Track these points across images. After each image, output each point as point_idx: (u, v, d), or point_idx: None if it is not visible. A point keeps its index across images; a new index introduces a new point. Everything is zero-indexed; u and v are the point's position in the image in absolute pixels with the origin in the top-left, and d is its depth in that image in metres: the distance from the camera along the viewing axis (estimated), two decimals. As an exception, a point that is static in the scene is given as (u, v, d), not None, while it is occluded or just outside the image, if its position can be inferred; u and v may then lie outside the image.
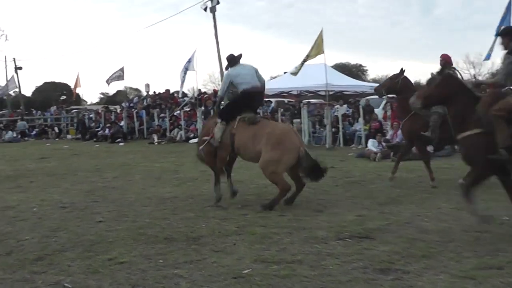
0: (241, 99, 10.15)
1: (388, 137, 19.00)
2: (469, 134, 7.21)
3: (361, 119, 22.20)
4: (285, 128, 10.87)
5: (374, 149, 17.74)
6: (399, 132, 18.13)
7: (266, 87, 27.18)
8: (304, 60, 21.57)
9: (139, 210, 9.43)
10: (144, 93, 36.95)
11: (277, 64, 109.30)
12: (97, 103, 69.87)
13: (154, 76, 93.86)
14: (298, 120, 24.16)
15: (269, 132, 9.51)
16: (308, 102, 27.98)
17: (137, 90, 60.10)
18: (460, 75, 9.21)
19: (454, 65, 10.72)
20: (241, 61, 10.47)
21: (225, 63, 10.64)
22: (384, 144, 18.10)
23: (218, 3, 27.01)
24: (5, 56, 49.74)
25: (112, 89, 69.49)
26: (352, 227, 7.69)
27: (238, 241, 7.16)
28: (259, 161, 9.51)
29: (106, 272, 5.97)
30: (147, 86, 35.78)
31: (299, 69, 21.60)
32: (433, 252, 6.34)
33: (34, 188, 12.51)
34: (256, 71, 10.39)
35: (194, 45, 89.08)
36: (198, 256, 6.48)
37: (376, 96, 25.37)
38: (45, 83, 74.04)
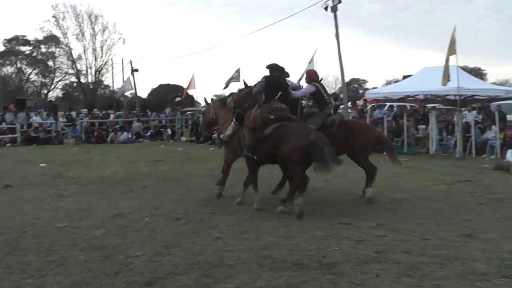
0: None
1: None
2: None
3: (495, 127, 20.45)
4: None
5: (515, 161, 16.06)
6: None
7: (389, 91, 25.32)
8: (446, 66, 20.12)
9: (260, 226, 8.51)
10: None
11: (393, 68, 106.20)
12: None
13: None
14: (423, 126, 22.78)
15: None
16: (433, 107, 26.42)
17: (249, 93, 59.81)
18: (324, 89, 11.15)
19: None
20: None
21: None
22: (525, 155, 16.41)
23: (339, 2, 25.82)
24: (122, 59, 50.95)
25: (225, 91, 69.44)
26: (515, 261, 6.44)
27: (381, 271, 6.06)
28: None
29: (228, 307, 5.07)
30: None
31: (447, 75, 20.12)
32: None
33: (147, 194, 11.89)
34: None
35: (306, 48, 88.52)
36: (336, 290, 5.45)
37: (510, 101, 23.46)
38: (160, 85, 75.22)
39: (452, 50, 20.34)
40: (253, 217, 9.17)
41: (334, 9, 25.70)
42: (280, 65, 10.70)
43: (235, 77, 31.45)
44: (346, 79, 29.97)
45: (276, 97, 10.12)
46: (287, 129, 9.57)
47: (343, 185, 12.93)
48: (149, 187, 12.73)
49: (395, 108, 27.73)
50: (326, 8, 25.85)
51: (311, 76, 11.40)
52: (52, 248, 7.26)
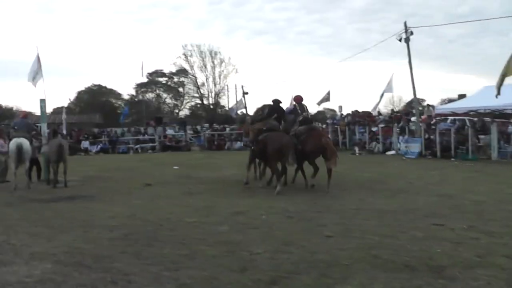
0: None
1: None
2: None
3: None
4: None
5: None
6: None
7: (455, 106, 23.61)
8: (502, 80, 18.19)
9: (363, 225, 7.34)
10: (338, 113, 35.11)
11: (444, 89, 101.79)
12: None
13: (345, 99, 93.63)
14: (483, 136, 20.88)
15: None
16: (493, 120, 24.35)
17: (332, 110, 58.12)
18: (301, 107, 12.67)
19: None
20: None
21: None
22: None
23: (412, 34, 24.39)
24: (235, 85, 50.98)
25: (313, 109, 68.49)
26: None
27: (490, 278, 4.83)
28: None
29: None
30: (340, 107, 34.53)
31: (499, 88, 18.24)
32: None
33: (261, 193, 10.96)
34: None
35: (376, 75, 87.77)
36: (453, 297, 4.30)
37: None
38: (264, 105, 75.05)
39: (510, 70, 18.37)
40: (355, 216, 8.03)
41: (407, 40, 24.33)
42: (280, 99, 13.04)
43: (326, 98, 30.59)
44: (408, 99, 28.45)
45: (273, 117, 12.31)
46: (270, 136, 11.37)
47: (426, 187, 11.58)
48: (262, 188, 11.84)
49: (457, 122, 25.83)
50: (400, 40, 24.46)
51: (296, 100, 13.03)
52: (184, 241, 6.45)
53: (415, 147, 21.81)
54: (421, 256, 5.58)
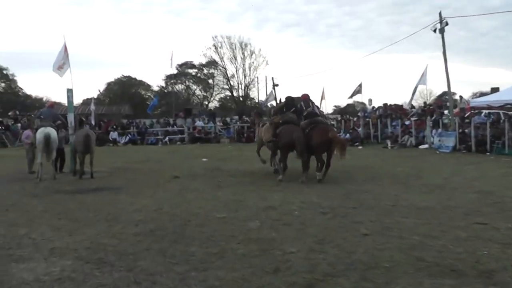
0: None
1: None
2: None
3: None
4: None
5: None
6: None
7: (491, 99, 22.85)
8: None
9: (401, 222, 6.89)
10: (368, 106, 34.41)
11: (474, 82, 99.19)
12: (331, 114, 68.44)
13: (374, 92, 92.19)
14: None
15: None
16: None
17: (362, 103, 57.57)
18: (307, 104, 12.66)
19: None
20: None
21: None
22: None
23: (447, 24, 23.60)
24: (266, 76, 50.66)
25: (343, 102, 67.73)
26: None
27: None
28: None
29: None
30: (370, 100, 34.17)
31: None
32: None
33: (292, 187, 10.56)
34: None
35: (406, 68, 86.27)
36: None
37: None
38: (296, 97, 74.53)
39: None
40: (391, 213, 7.56)
41: (441, 31, 23.57)
42: (293, 97, 13.34)
43: (358, 90, 30.02)
44: (438, 92, 27.58)
45: (291, 110, 12.56)
46: (283, 130, 12.01)
47: (462, 183, 11.01)
48: (292, 181, 11.36)
49: (491, 115, 24.95)
50: (434, 31, 23.73)
51: (303, 97, 13.04)
52: (213, 238, 6.13)
53: (449, 141, 21.11)
54: (467, 258, 5.14)
